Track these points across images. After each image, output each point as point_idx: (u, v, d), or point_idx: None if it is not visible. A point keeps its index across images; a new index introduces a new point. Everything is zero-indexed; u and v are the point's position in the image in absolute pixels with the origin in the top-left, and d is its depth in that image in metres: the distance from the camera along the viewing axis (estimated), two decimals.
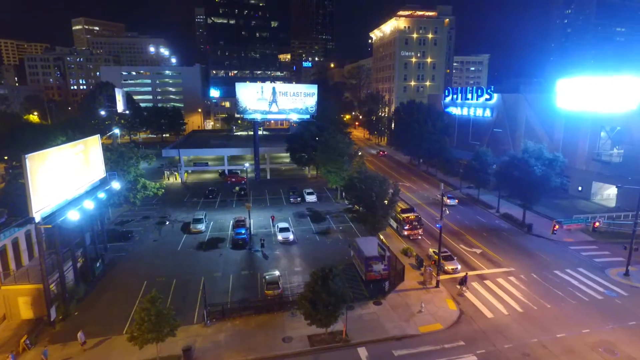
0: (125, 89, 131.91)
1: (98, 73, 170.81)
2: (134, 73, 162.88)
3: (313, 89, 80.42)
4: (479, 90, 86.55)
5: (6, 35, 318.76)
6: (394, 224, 51.33)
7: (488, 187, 68.34)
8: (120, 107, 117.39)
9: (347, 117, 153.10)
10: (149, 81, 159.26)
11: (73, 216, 32.09)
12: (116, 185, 42.97)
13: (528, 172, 49.49)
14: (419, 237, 49.02)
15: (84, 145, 38.15)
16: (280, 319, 32.82)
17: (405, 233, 48.61)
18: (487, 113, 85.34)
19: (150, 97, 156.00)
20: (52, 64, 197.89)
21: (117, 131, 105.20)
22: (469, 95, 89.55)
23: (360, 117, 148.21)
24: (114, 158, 48.86)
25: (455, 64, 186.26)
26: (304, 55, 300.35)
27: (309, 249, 46.96)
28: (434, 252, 43.43)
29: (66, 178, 34.19)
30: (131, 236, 49.25)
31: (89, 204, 35.00)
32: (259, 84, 76.80)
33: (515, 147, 77.12)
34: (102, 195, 38.81)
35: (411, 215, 49.18)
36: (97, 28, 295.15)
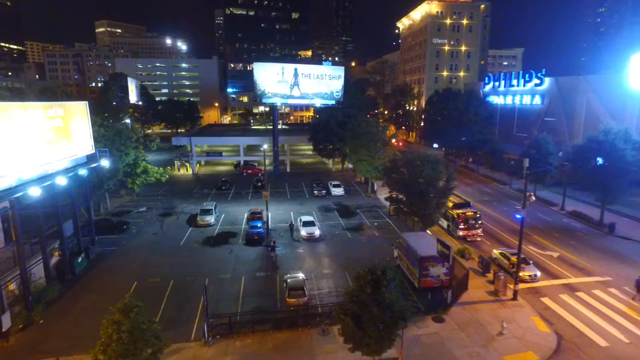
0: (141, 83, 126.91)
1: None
2: (149, 66, 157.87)
3: (339, 71, 71.89)
4: (527, 75, 76.16)
5: (33, 38, 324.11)
6: (444, 222, 41.95)
7: (545, 182, 58.35)
8: (133, 97, 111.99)
9: (370, 113, 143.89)
10: (165, 74, 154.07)
11: (34, 193, 24.27)
12: (105, 163, 35.25)
13: (614, 159, 39.55)
14: (478, 239, 39.51)
15: (64, 111, 30.49)
16: (306, 337, 24.11)
17: (461, 233, 39.14)
18: (537, 100, 74.93)
19: (166, 90, 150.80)
20: (70, 60, 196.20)
21: (127, 121, 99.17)
22: (514, 82, 79.22)
23: (385, 112, 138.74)
24: (110, 135, 41.32)
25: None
26: (324, 56, 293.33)
27: (339, 247, 38.16)
28: (500, 254, 34.02)
29: (33, 147, 26.51)
30: (127, 228, 41.47)
31: (62, 181, 27.20)
32: (279, 65, 68.76)
33: (572, 137, 66.81)
34: (83, 172, 31.07)
35: (468, 212, 39.70)
36: (119, 30, 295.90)
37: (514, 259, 30.77)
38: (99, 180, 40.53)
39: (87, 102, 34.41)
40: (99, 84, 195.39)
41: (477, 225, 39.65)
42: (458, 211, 40.17)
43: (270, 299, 28.35)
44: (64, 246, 30.71)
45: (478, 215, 39.89)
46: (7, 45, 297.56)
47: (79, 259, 32.24)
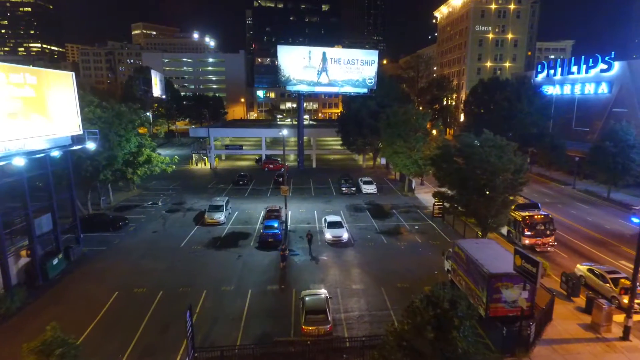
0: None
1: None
2: (176, 61, 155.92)
3: (372, 55, 64.44)
4: (591, 59, 65.85)
5: (73, 40, 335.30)
6: (503, 228, 33.66)
7: (619, 183, 48.40)
8: (156, 91, 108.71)
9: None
10: (191, 69, 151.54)
11: None
12: (91, 145, 29.52)
13: None
14: (550, 250, 31.07)
15: (37, 79, 24.82)
16: None
17: (527, 242, 30.78)
18: (603, 89, 64.50)
19: (192, 86, 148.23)
20: (103, 58, 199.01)
21: (148, 114, 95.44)
22: (574, 68, 69.09)
23: (420, 108, 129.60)
24: (106, 117, 35.77)
25: None
26: None
27: (372, 254, 30.75)
28: (589, 270, 25.56)
29: None
30: (124, 224, 35.73)
31: (19, 161, 21.41)
32: (306, 48, 62.13)
33: None
34: (55, 153, 25.31)
35: (537, 215, 31.37)
36: (154, 32, 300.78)
37: (625, 281, 22.33)
38: (94, 168, 35.07)
39: (73, 73, 28.80)
40: None
41: (548, 232, 31.17)
42: (523, 213, 31.89)
43: (281, 323, 21.38)
44: (34, 245, 25.00)
45: (550, 219, 31.41)
46: (48, 46, 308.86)
47: (55, 261, 26.49)
